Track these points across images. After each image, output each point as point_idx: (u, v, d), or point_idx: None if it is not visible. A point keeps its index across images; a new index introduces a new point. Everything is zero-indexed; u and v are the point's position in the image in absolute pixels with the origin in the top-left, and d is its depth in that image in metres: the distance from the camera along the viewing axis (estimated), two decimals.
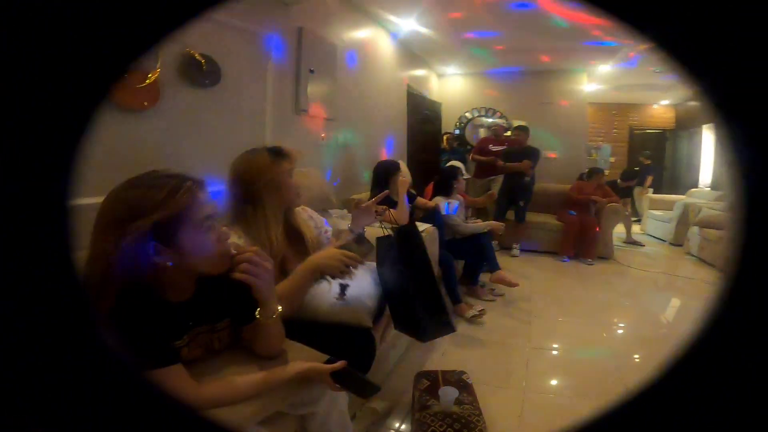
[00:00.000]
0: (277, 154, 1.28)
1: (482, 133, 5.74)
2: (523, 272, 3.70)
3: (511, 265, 3.97)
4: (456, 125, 5.96)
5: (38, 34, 0.27)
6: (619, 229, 4.99)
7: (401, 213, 2.47)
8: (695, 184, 6.28)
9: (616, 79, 5.62)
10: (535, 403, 1.80)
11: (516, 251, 4.30)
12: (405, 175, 2.84)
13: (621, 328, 2.83)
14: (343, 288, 1.26)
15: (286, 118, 2.53)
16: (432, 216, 2.78)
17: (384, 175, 2.66)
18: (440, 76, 5.95)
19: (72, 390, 0.29)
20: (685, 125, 6.81)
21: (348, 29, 3.26)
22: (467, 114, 5.95)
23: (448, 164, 3.43)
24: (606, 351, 2.38)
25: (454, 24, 3.77)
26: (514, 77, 5.59)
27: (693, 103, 6.40)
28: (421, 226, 2.31)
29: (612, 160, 6.81)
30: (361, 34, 3.51)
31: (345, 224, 1.66)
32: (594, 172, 4.50)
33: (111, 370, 0.30)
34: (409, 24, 3.76)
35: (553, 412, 1.75)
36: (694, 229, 4.40)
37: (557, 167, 5.25)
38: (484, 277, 3.12)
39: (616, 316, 2.98)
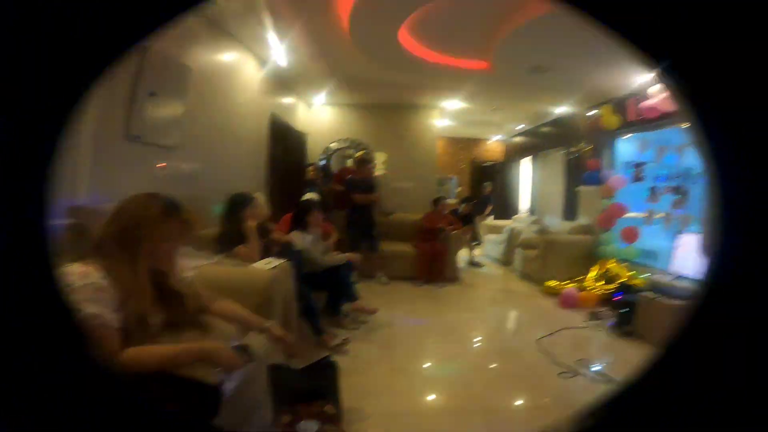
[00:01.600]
0: (173, 209, 1.17)
1: (349, 164, 5.99)
2: (384, 299, 3.95)
3: (376, 292, 4.21)
4: (322, 156, 6.07)
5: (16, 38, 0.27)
6: (466, 253, 5.75)
7: (251, 250, 2.38)
8: (517, 211, 7.63)
9: (461, 116, 6.42)
10: (403, 423, 1.91)
11: (384, 279, 4.56)
12: (260, 209, 2.75)
13: (475, 341, 3.20)
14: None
15: (114, 144, 2.21)
16: (287, 251, 2.74)
17: (234, 208, 2.54)
18: (310, 105, 5.99)
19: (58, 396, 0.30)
20: (511, 158, 8.27)
21: (208, 51, 3.08)
22: (333, 145, 6.12)
23: (304, 197, 3.40)
24: (465, 364, 2.65)
25: (325, 54, 3.82)
26: (378, 110, 6.01)
27: (516, 139, 7.82)
28: (275, 262, 2.26)
29: (459, 190, 7.82)
30: (225, 57, 3.35)
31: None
32: (437, 202, 5.05)
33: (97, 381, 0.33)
34: (279, 51, 3.66)
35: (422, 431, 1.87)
36: (518, 250, 5.32)
37: (412, 198, 5.78)
38: (347, 307, 3.21)
39: (469, 332, 3.37)
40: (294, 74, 4.43)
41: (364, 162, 4.75)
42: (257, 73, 3.97)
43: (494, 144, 8.66)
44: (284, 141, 4.87)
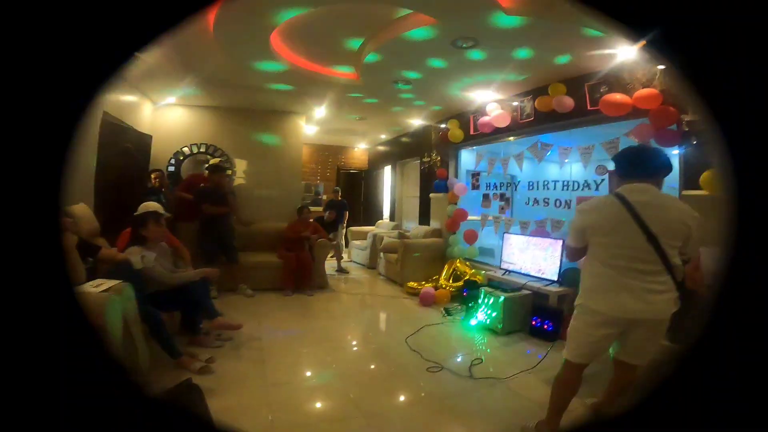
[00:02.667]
0: None
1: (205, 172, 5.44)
2: (250, 311, 3.77)
3: (241, 305, 3.98)
4: (170, 162, 5.39)
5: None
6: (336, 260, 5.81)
7: (72, 270, 1.99)
8: (381, 216, 8.07)
9: (327, 123, 6.40)
10: None
11: (248, 291, 4.30)
12: (80, 222, 2.32)
13: (351, 346, 3.23)
14: None
15: None
16: (122, 270, 2.38)
17: None
18: (156, 105, 5.25)
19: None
20: (375, 166, 8.70)
21: None
22: (185, 149, 5.49)
23: (141, 207, 2.90)
24: (342, 370, 2.64)
25: (179, 51, 3.39)
26: (240, 114, 5.61)
27: (380, 148, 8.25)
28: (109, 283, 2.06)
29: (324, 197, 7.87)
30: None
31: None
32: (301, 210, 5.01)
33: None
34: None
35: None
36: (380, 255, 5.62)
37: (276, 206, 5.58)
38: (207, 325, 2.94)
39: (342, 337, 3.39)
40: (138, 68, 3.81)
41: (218, 169, 4.39)
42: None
43: (359, 152, 8.99)
44: (119, 143, 4.16)
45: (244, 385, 2.36)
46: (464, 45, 3.07)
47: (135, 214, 2.76)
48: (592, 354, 1.75)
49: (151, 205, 2.81)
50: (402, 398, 2.33)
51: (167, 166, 5.34)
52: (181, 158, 5.49)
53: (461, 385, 2.45)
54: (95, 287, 2.04)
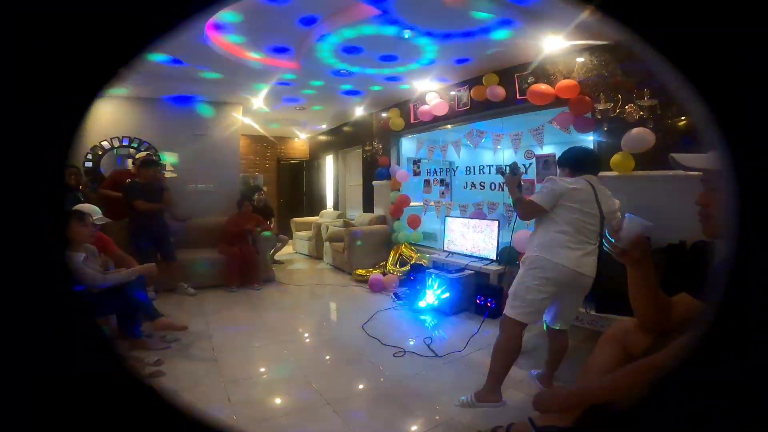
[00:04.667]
0: None
1: (131, 167, 5.00)
2: (195, 310, 3.64)
3: (184, 304, 3.83)
4: (87, 157, 4.89)
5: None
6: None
7: None
8: (324, 206, 8.02)
9: (266, 114, 6.15)
10: None
11: (190, 289, 4.13)
12: None
13: (306, 337, 3.21)
14: None
15: None
16: None
17: None
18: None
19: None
20: (316, 156, 8.57)
21: None
22: (104, 143, 5.00)
23: (76, 207, 2.72)
24: (300, 361, 2.63)
25: None
26: (167, 106, 5.21)
27: (321, 138, 8.14)
28: None
29: (265, 188, 7.61)
30: None
31: None
32: (241, 202, 4.85)
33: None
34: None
35: None
36: (326, 244, 5.61)
37: (213, 200, 5.32)
38: (148, 327, 2.80)
39: (295, 329, 3.35)
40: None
41: (149, 164, 4.08)
42: None
43: (300, 143, 8.79)
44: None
45: (200, 384, 2.29)
46: (407, 35, 3.13)
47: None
48: (534, 312, 1.96)
49: (86, 207, 2.59)
50: (365, 383, 2.39)
51: (83, 162, 4.84)
52: (100, 153, 5.00)
53: (421, 364, 2.57)
54: None
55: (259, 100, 5.25)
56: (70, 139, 0.35)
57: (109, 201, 4.00)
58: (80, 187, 4.32)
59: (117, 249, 3.07)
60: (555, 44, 3.19)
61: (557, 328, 2.12)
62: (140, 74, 4.01)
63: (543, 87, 3.41)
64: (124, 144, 5.10)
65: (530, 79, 3.60)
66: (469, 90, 4.14)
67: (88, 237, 2.63)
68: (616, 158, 2.87)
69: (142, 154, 4.86)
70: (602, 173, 2.96)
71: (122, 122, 5.08)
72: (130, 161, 5.09)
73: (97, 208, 2.77)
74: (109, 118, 5.01)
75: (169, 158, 5.26)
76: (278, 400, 2.21)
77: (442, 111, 4.49)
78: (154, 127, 5.21)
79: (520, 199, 2.11)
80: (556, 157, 3.55)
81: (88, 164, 4.89)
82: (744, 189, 0.37)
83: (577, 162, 2.10)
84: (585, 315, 2.39)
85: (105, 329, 2.31)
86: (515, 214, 2.31)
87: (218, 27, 3.06)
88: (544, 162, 3.72)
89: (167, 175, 5.16)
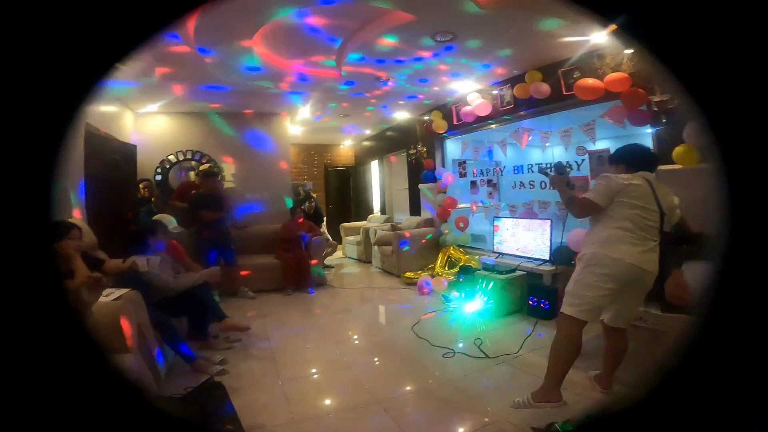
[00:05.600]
0: None
1: (192, 178, 5.45)
2: (256, 312, 3.88)
3: (245, 307, 4.08)
4: (157, 171, 5.38)
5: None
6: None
7: (79, 283, 2.07)
8: (372, 211, 8.17)
9: (312, 122, 6.43)
10: (308, 429, 1.92)
11: (250, 293, 4.39)
12: (82, 236, 2.38)
13: (355, 339, 3.32)
14: None
15: None
16: (130, 279, 2.46)
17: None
18: (137, 114, 5.20)
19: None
20: (362, 162, 8.77)
21: None
22: (171, 157, 5.48)
23: (155, 217, 3.07)
24: (351, 362, 2.74)
25: (160, 57, 3.37)
26: (222, 119, 5.60)
27: (366, 143, 8.33)
28: (119, 292, 2.10)
29: (315, 195, 7.90)
30: None
31: None
32: (294, 211, 5.09)
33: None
34: None
35: None
36: (375, 248, 5.73)
37: (268, 208, 5.63)
38: (215, 328, 3.04)
39: (346, 331, 3.48)
40: (117, 79, 3.80)
41: (210, 175, 4.44)
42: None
43: (345, 149, 9.04)
44: (106, 155, 4.15)
45: (260, 382, 2.46)
46: (443, 39, 3.17)
47: (148, 222, 2.88)
48: (593, 310, 1.91)
49: (166, 217, 2.91)
50: (415, 383, 2.43)
51: (154, 176, 5.33)
52: (168, 166, 5.47)
53: (471, 366, 2.58)
54: (106, 296, 2.10)
55: (305, 110, 5.50)
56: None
57: (178, 211, 4.38)
58: (152, 199, 4.78)
59: (186, 257, 3.37)
60: (599, 38, 3.07)
61: (614, 326, 2.04)
62: (197, 90, 4.36)
63: (590, 81, 3.28)
64: (188, 158, 5.56)
65: (576, 74, 3.48)
66: (512, 88, 4.07)
67: (167, 244, 2.93)
68: (678, 151, 2.70)
69: (205, 165, 5.26)
70: (665, 167, 2.84)
71: (184, 137, 5.52)
72: (192, 173, 5.55)
73: (173, 219, 3.08)
74: (174, 133, 5.48)
75: (227, 168, 5.66)
76: (331, 400, 2.31)
77: (486, 111, 4.44)
78: (214, 139, 5.61)
79: (573, 198, 2.06)
80: (611, 152, 3.44)
81: (159, 177, 5.37)
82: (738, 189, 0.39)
83: (633, 159, 2.05)
84: (647, 314, 2.28)
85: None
86: (568, 212, 2.26)
87: (263, 37, 3.24)
88: (598, 158, 3.58)
89: (226, 184, 5.56)
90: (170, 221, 3.05)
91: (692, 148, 2.66)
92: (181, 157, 5.52)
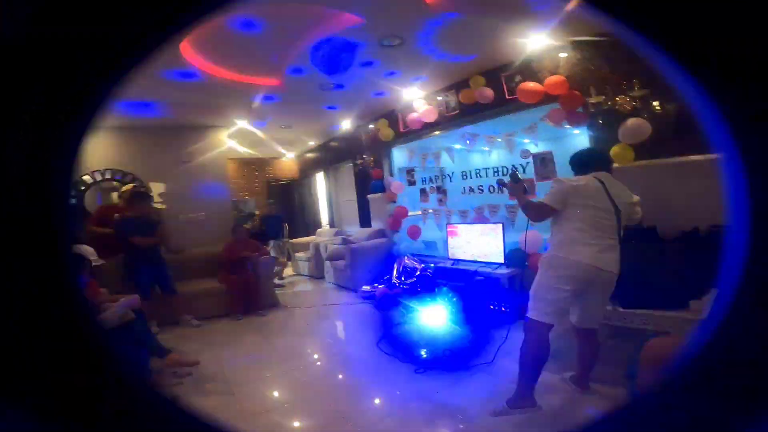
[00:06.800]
0: None
1: (114, 200, 4.86)
2: (203, 342, 3.51)
3: (190, 336, 3.71)
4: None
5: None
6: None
7: None
8: (320, 225, 7.90)
9: (251, 135, 6.03)
10: None
11: (194, 321, 4.03)
12: None
13: (321, 359, 3.12)
14: None
15: None
16: None
17: None
18: None
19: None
20: (306, 174, 8.48)
21: None
22: (86, 178, 4.85)
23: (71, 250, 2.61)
24: (316, 384, 2.56)
25: None
26: (148, 134, 5.07)
27: (309, 155, 8.06)
28: None
29: (257, 212, 7.49)
30: None
31: None
32: (236, 229, 4.74)
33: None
34: None
35: None
36: (327, 263, 5.50)
37: (206, 228, 5.19)
38: (158, 363, 2.66)
39: (307, 352, 3.27)
40: None
41: (141, 197, 3.96)
42: None
43: (288, 162, 8.70)
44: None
45: (219, 418, 2.15)
46: (391, 43, 3.11)
47: None
48: (556, 312, 1.92)
49: (82, 249, 2.47)
50: (386, 400, 2.32)
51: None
52: (83, 188, 4.84)
53: (442, 378, 2.49)
54: None
55: (242, 121, 5.18)
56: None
57: (98, 238, 3.84)
58: None
59: (101, 293, 2.89)
60: (538, 42, 3.20)
61: (584, 327, 2.06)
62: (116, 101, 3.90)
63: (531, 85, 3.40)
64: (107, 177, 4.95)
65: (517, 78, 3.60)
66: (457, 94, 4.14)
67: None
68: (614, 150, 2.86)
69: (128, 186, 4.72)
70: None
71: (104, 154, 4.93)
72: (115, 194, 4.95)
73: (91, 249, 2.64)
74: (89, 150, 4.86)
75: (155, 188, 5.13)
76: (299, 424, 2.16)
77: (432, 117, 4.47)
78: (137, 156, 5.08)
79: (529, 203, 2.10)
80: (553, 155, 3.59)
81: (72, 200, 4.72)
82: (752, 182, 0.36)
83: (580, 163, 2.13)
84: (613, 312, 2.34)
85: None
86: (526, 216, 2.28)
87: (194, 43, 2.98)
88: (542, 160, 3.71)
89: (157, 206, 5.03)
90: (89, 252, 2.61)
91: (626, 147, 2.83)
92: (98, 177, 4.91)
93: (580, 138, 3.59)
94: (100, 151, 4.91)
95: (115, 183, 4.99)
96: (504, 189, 2.30)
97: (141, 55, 0.36)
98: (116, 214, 3.95)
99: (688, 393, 0.39)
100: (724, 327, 0.39)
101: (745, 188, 0.38)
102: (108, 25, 0.33)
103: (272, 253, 6.05)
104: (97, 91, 0.35)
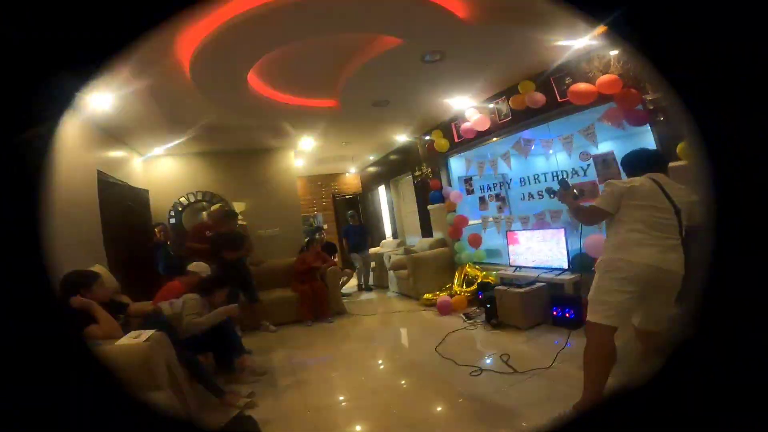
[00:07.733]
0: None
1: (204, 218, 5.56)
2: (278, 345, 3.89)
3: (267, 340, 4.11)
4: (170, 214, 5.51)
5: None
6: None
7: (107, 328, 2.14)
8: (383, 236, 8.18)
9: (316, 153, 6.56)
10: None
11: (271, 327, 4.44)
12: (104, 284, 2.47)
13: (379, 365, 3.30)
14: None
15: None
16: (154, 321, 2.52)
17: (71, 290, 2.20)
18: (144, 157, 5.34)
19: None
20: (368, 187, 8.87)
21: None
22: (182, 200, 5.62)
23: (191, 268, 3.37)
24: (377, 387, 2.71)
25: (159, 100, 3.48)
26: (229, 157, 5.76)
27: (371, 169, 8.44)
28: (146, 333, 2.10)
29: (325, 226, 7.98)
30: None
31: None
32: (309, 243, 5.15)
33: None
34: (99, 96, 3.08)
35: None
36: (390, 273, 5.71)
37: (280, 243, 5.69)
38: (240, 362, 3.05)
39: (370, 357, 3.47)
40: (121, 122, 3.87)
41: (228, 215, 4.54)
42: (76, 124, 3.39)
43: (351, 177, 9.17)
44: (120, 201, 4.27)
45: (289, 414, 2.44)
46: (433, 59, 3.26)
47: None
48: (619, 315, 1.87)
49: (199, 266, 3.30)
50: (443, 404, 2.40)
51: (168, 219, 5.45)
52: (180, 209, 5.60)
53: (499, 382, 2.53)
54: (135, 338, 2.12)
55: (308, 142, 5.64)
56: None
57: (195, 253, 4.44)
58: (167, 242, 4.87)
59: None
60: (583, 42, 3.12)
61: (646, 329, 1.99)
62: (201, 129, 4.49)
63: (583, 86, 3.32)
64: (198, 199, 5.69)
65: (567, 80, 3.53)
66: (507, 100, 4.14)
67: (191, 284, 3.02)
68: (681, 147, 2.71)
69: (216, 206, 5.37)
70: (671, 164, 2.82)
71: (193, 178, 5.68)
72: (204, 213, 5.66)
73: (206, 266, 3.35)
74: (183, 175, 5.64)
75: (237, 207, 5.77)
76: (361, 426, 2.29)
77: (485, 125, 4.50)
78: (221, 179, 5.75)
79: (579, 208, 2.10)
80: (615, 155, 3.44)
81: (173, 220, 5.49)
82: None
83: (631, 164, 2.11)
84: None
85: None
86: (578, 221, 2.28)
87: (258, 74, 3.34)
88: (603, 161, 3.59)
89: (241, 223, 5.66)
90: (203, 268, 3.34)
91: None
92: (192, 199, 5.66)
93: (645, 136, 3.41)
94: (190, 175, 5.67)
95: (203, 203, 5.72)
96: (554, 196, 2.32)
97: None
98: (207, 232, 4.55)
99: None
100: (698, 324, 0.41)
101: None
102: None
103: (356, 266, 6.46)
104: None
